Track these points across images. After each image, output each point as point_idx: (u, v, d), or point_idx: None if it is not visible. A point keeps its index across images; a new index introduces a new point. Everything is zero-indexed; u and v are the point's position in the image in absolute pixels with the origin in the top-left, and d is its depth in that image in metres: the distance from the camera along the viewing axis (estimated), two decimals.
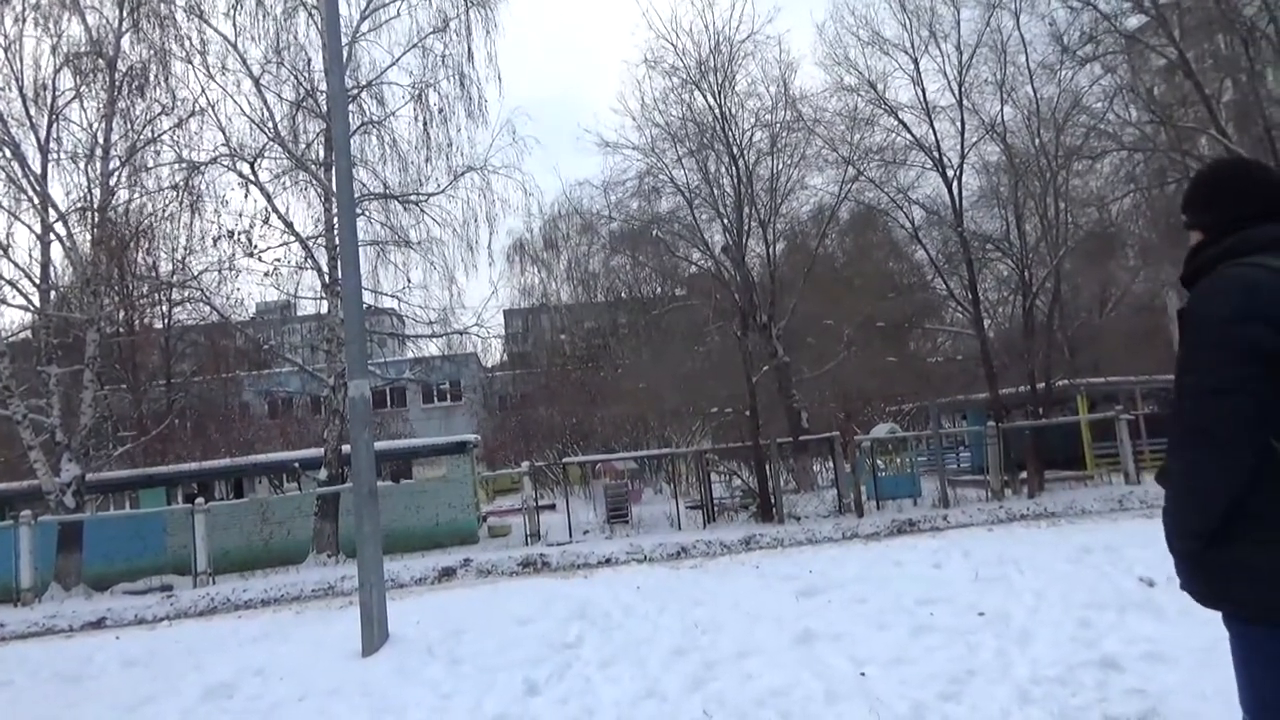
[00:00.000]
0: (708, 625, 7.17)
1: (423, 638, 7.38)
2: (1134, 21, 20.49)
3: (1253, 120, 19.28)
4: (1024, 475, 18.17)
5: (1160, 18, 19.39)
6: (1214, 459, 2.13)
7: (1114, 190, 23.47)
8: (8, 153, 16.48)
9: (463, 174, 18.96)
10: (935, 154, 21.02)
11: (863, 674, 5.46)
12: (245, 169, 17.59)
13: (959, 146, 20.96)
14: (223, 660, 7.40)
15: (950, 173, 20.89)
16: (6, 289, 16.92)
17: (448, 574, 13.50)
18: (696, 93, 20.52)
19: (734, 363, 19.65)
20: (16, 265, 16.88)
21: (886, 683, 5.24)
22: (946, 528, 13.91)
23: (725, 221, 20.58)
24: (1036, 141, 20.82)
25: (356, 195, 17.97)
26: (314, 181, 17.95)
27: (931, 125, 21.06)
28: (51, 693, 7.18)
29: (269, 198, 17.83)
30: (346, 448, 13.66)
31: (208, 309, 19.79)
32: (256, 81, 17.34)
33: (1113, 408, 19.51)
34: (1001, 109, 21.03)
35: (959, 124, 20.86)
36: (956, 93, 20.80)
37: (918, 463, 20.04)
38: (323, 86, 17.14)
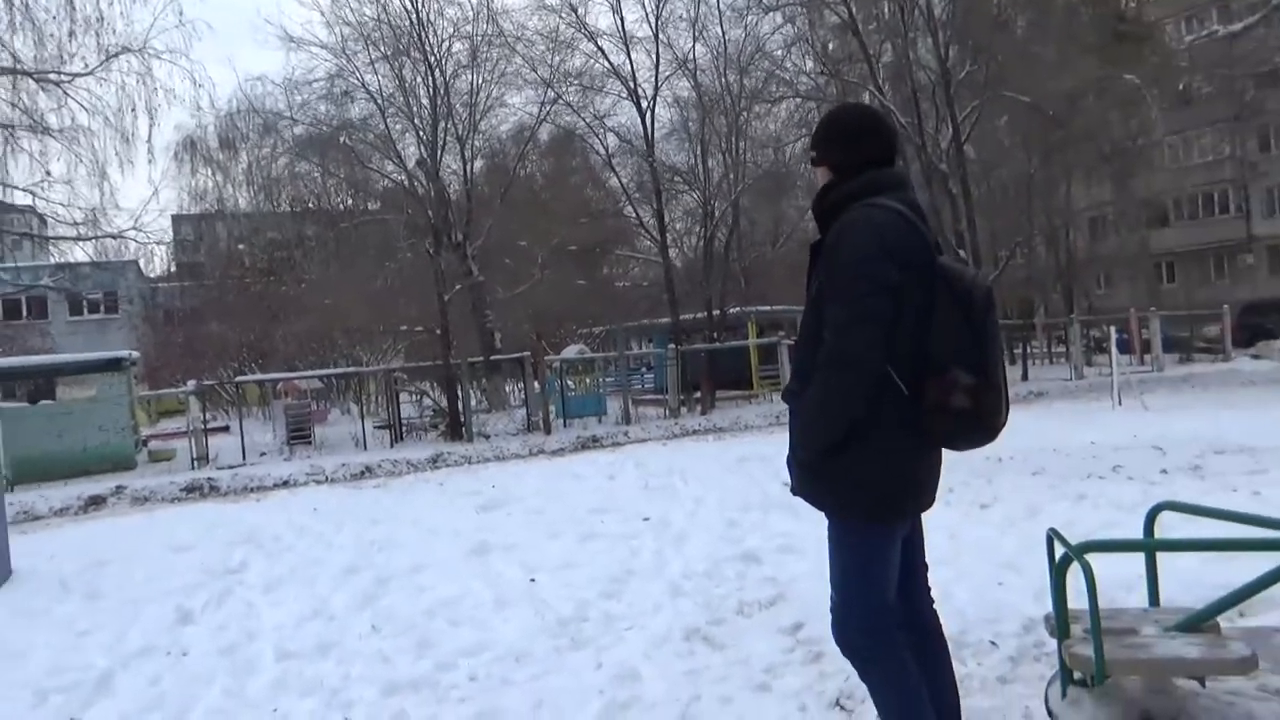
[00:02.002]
0: (385, 543, 7.10)
1: (55, 572, 6.63)
2: None
3: (904, 81, 21.77)
4: (699, 395, 19.61)
5: None
6: (856, 382, 2.38)
7: (789, 134, 25.60)
8: None
9: (117, 54, 16.65)
10: (631, 84, 21.61)
11: (532, 580, 5.69)
12: None
13: (653, 79, 21.70)
14: None
15: (644, 104, 21.60)
16: None
17: (96, 503, 12.15)
18: None
19: (427, 281, 19.21)
20: None
21: (553, 587, 5.50)
22: (627, 443, 14.71)
23: (421, 134, 19.80)
24: (723, 81, 22.04)
25: None
26: None
27: (629, 55, 21.59)
28: None
29: None
30: None
31: None
32: None
33: (777, 333, 21.51)
34: (694, 46, 22.01)
35: (654, 56, 21.56)
36: (653, 25, 21.43)
37: (605, 383, 20.94)
38: None
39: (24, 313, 34.10)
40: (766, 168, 24.83)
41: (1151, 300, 27.94)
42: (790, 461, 2.67)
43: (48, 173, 16.79)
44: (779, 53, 23.24)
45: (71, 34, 16.22)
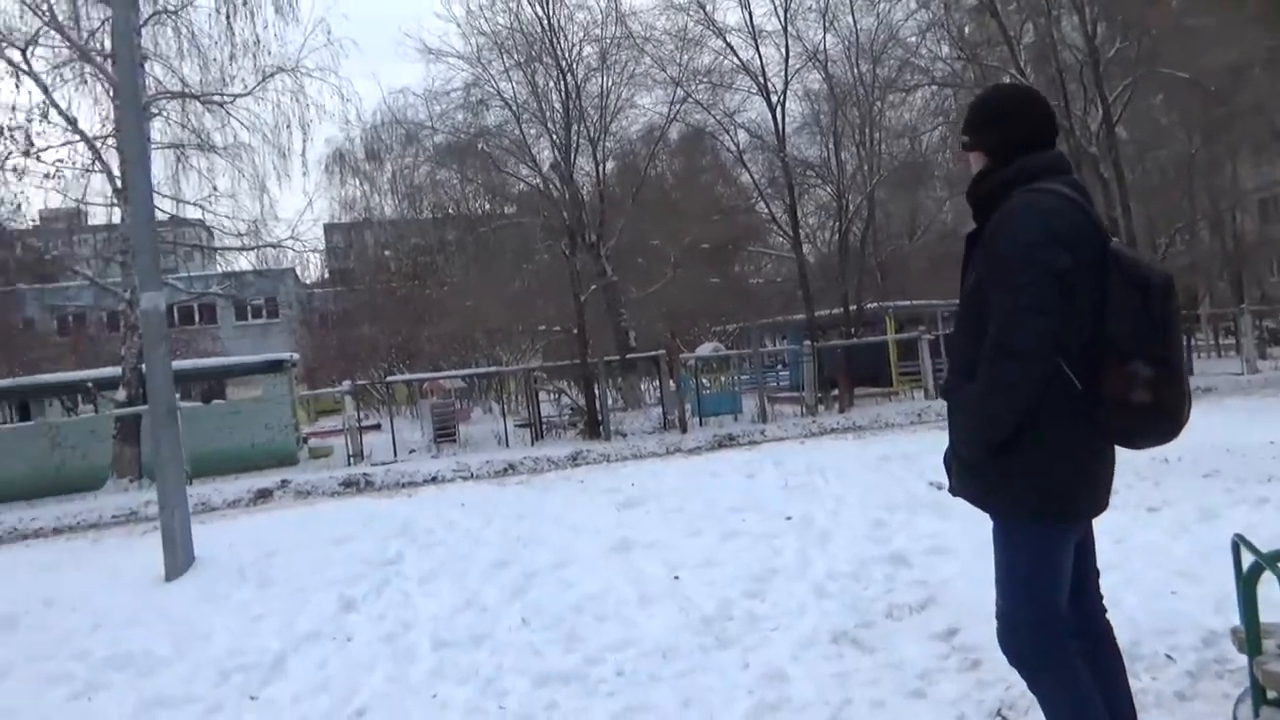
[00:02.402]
0: (530, 538, 7.27)
1: (233, 560, 7.11)
2: None
3: (1048, 62, 20.70)
4: (836, 392, 19.26)
5: None
6: (1024, 376, 2.27)
7: (925, 123, 24.77)
8: None
9: (272, 75, 17.68)
10: (761, 79, 21.40)
11: (676, 578, 5.71)
12: (16, 56, 15.69)
13: (783, 73, 21.42)
14: (5, 592, 6.86)
15: (774, 98, 21.36)
16: None
17: (264, 496, 12.99)
18: (524, 1, 19.86)
19: (563, 282, 19.60)
20: None
21: (696, 584, 5.50)
22: (763, 441, 14.59)
23: (554, 138, 20.25)
24: (856, 72, 21.54)
25: (151, 93, 16.49)
26: (100, 75, 16.24)
27: (758, 50, 21.38)
28: None
29: (46, 90, 16.03)
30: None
31: None
32: None
33: (917, 329, 20.88)
34: (824, 37, 21.59)
35: (784, 50, 21.27)
36: (782, 18, 21.15)
37: (740, 381, 20.83)
38: None
39: (196, 318, 36.73)
40: (902, 158, 24.11)
41: None
42: (949, 460, 2.58)
43: (214, 188, 18.04)
44: (913, 39, 22.51)
45: (232, 57, 17.38)
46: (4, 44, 15.66)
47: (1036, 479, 2.35)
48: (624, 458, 13.97)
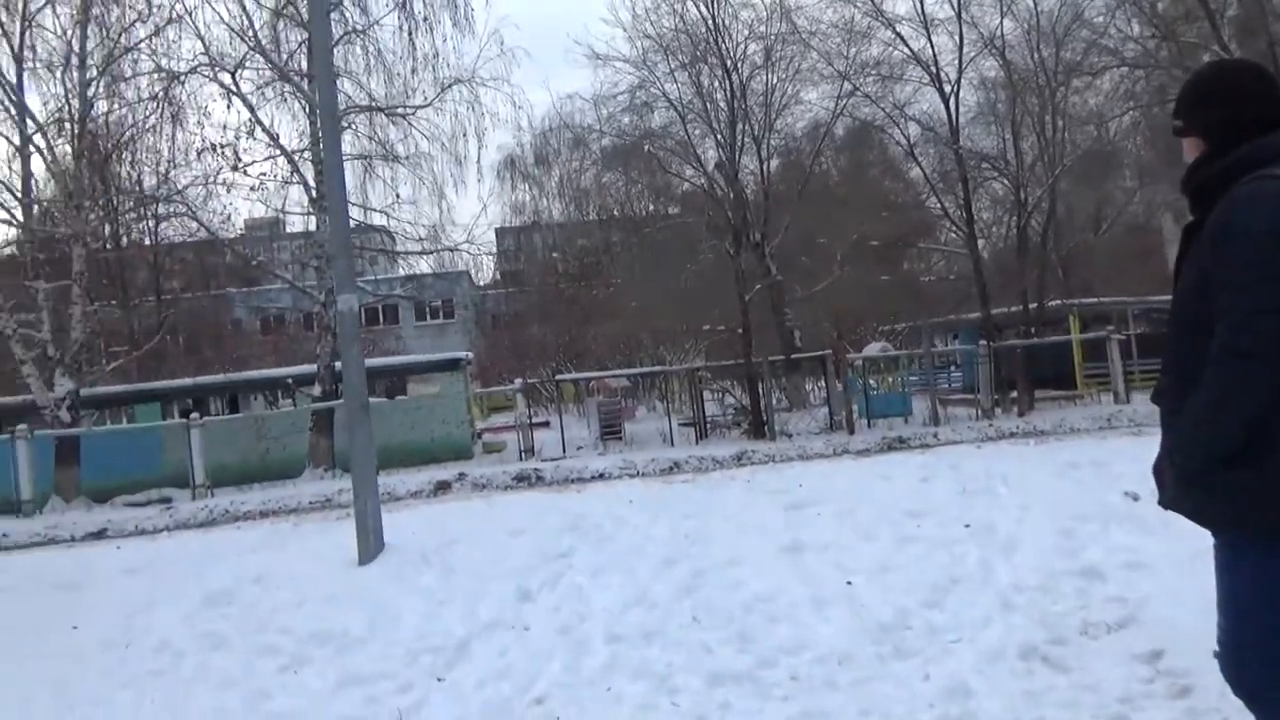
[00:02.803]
0: (698, 536, 7.29)
1: (418, 548, 7.50)
2: None
3: (1256, 35, 18.85)
4: (1014, 394, 18.32)
5: None
6: (1259, 381, 2.09)
7: (1113, 108, 23.06)
8: None
9: (450, 86, 18.59)
10: (933, 69, 20.55)
11: (849, 582, 5.58)
12: (226, 79, 17.21)
13: (957, 61, 20.47)
14: (222, 568, 7.51)
15: (947, 89, 20.46)
16: None
17: (443, 487, 13.66)
18: (689, 3, 19.95)
19: (727, 281, 19.58)
20: None
21: (871, 590, 5.37)
22: (936, 445, 14.07)
23: (719, 137, 20.23)
24: (1035, 57, 20.36)
25: (341, 108, 17.62)
26: (298, 93, 17.56)
27: (929, 39, 20.54)
28: (56, 599, 7.30)
29: (252, 110, 17.48)
30: (339, 364, 13.70)
31: (194, 224, 19.55)
32: None
33: (1104, 328, 19.57)
34: (1001, 22, 20.49)
35: (957, 38, 20.34)
36: (956, 5, 20.22)
37: (909, 381, 20.18)
38: None
39: (381, 319, 39.08)
40: (1087, 147, 22.59)
41: None
42: (1161, 470, 2.39)
43: (397, 195, 19.14)
44: (1100, 19, 20.98)
45: (414, 71, 18.40)
46: (216, 68, 17.18)
47: (1266, 494, 2.15)
48: (790, 458, 13.80)
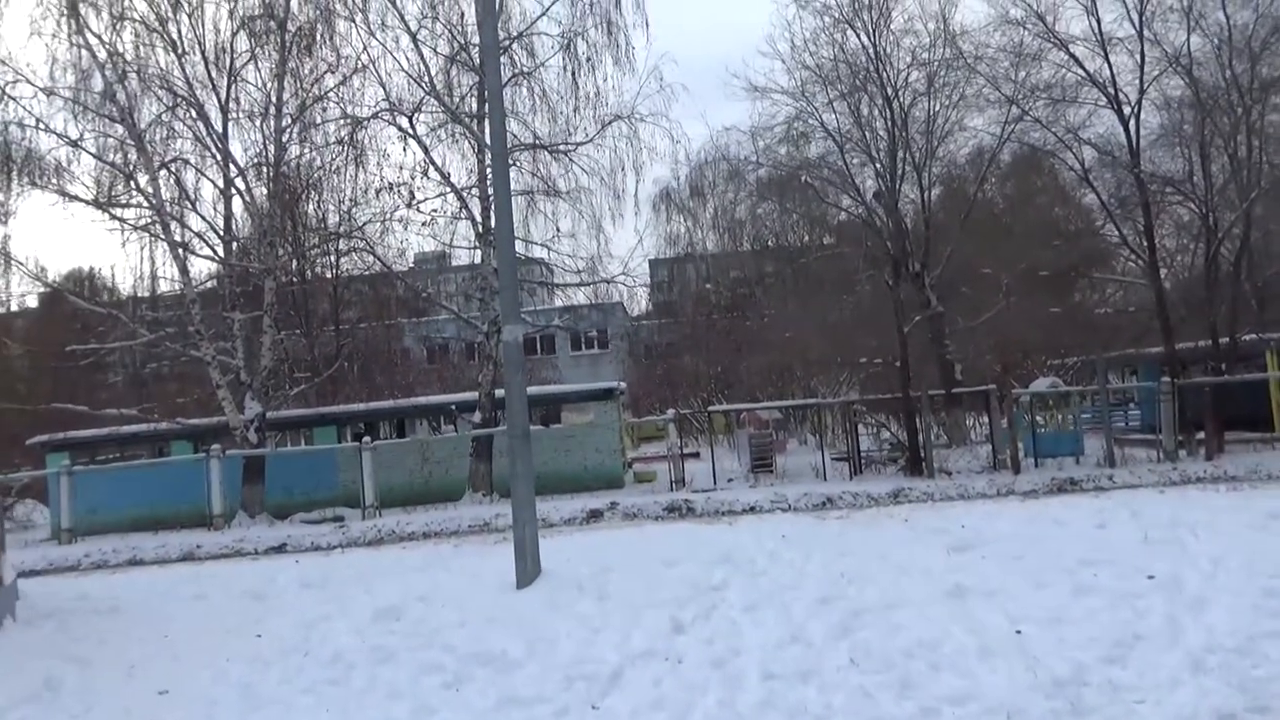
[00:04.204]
0: (854, 575, 7.09)
1: (573, 574, 7.64)
2: None
3: None
4: (1201, 435, 16.93)
5: None
6: None
7: None
8: (194, 113, 17.77)
9: (610, 123, 19.05)
10: (1110, 90, 19.48)
11: (1018, 631, 5.30)
12: (404, 123, 18.28)
13: (1137, 81, 19.32)
14: (390, 586, 7.90)
15: (1127, 110, 19.34)
16: (195, 240, 18.41)
17: (595, 516, 13.89)
18: (849, 32, 19.71)
19: (884, 312, 19.08)
20: (203, 218, 18.35)
21: (1044, 642, 5.07)
22: (1112, 488, 13.19)
23: (878, 166, 19.85)
24: (1228, 73, 18.94)
25: (508, 146, 18.46)
26: (468, 134, 18.45)
27: (1107, 59, 19.49)
28: (241, 607, 7.87)
29: (426, 150, 18.49)
30: (500, 392, 14.17)
31: (371, 259, 20.80)
32: (414, 36, 17.88)
33: None
34: (1188, 38, 19.19)
35: (1138, 56, 19.21)
36: (1136, 22, 19.12)
37: (1081, 420, 18.99)
38: (476, 40, 17.50)
39: (538, 349, 40.29)
40: None
41: None
42: None
43: (558, 229, 19.72)
44: None
45: (576, 109, 19.00)
46: (396, 113, 18.32)
47: None
48: (950, 497, 13.27)
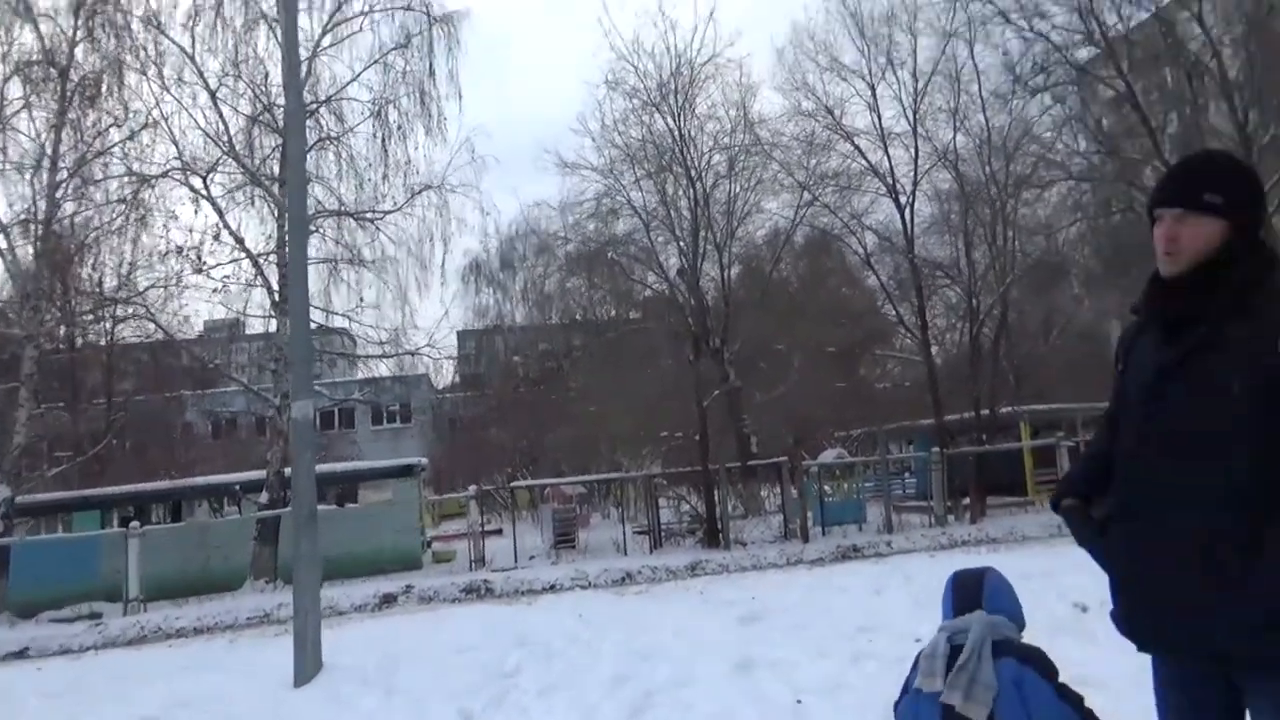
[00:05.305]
0: (649, 652, 7.10)
1: (358, 666, 7.20)
2: (1084, 54, 21.03)
3: (1193, 152, 19.83)
4: (967, 501, 18.39)
5: (1110, 50, 19.93)
6: None
7: (1061, 219, 24.08)
8: None
9: (420, 192, 18.85)
10: (889, 180, 21.42)
11: (799, 701, 5.44)
12: (197, 183, 17.32)
13: (912, 173, 21.40)
14: (149, 691, 7.14)
15: (903, 199, 21.29)
16: None
17: (389, 601, 13.26)
18: (657, 115, 20.69)
19: (686, 387, 19.68)
20: None
21: (822, 711, 5.23)
22: (890, 554, 14.01)
23: (681, 244, 20.70)
24: (987, 170, 21.30)
25: (311, 212, 17.81)
26: (268, 197, 17.70)
27: (886, 152, 21.47)
28: None
29: (220, 213, 17.56)
30: (290, 470, 13.45)
31: (153, 326, 19.32)
32: (213, 94, 17.10)
33: (1054, 434, 19.86)
34: (954, 137, 21.54)
35: (913, 151, 21.30)
36: (911, 120, 21.24)
37: (864, 488, 20.20)
38: (281, 101, 16.92)
39: (336, 423, 38.54)
40: (1036, 257, 23.44)
41: None
42: (1248, 621, 1.98)
43: (361, 299, 19.12)
44: (1048, 135, 22.12)
45: (385, 177, 18.68)
46: (189, 172, 17.27)
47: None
48: (744, 568, 13.64)
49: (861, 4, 21.71)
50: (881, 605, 8.06)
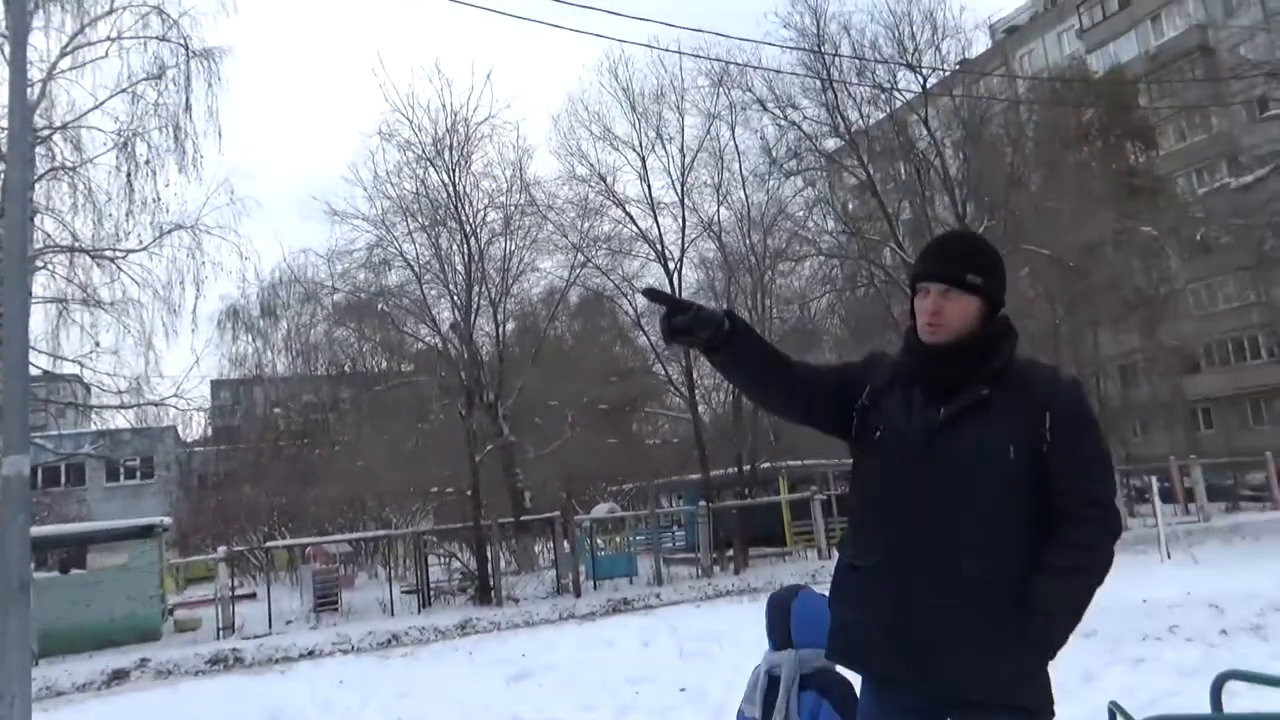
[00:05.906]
0: (413, 718, 6.85)
1: None
2: (832, 143, 23.32)
3: (923, 237, 22.34)
4: (731, 552, 19.21)
5: (853, 143, 22.19)
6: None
7: (813, 290, 26.17)
8: None
9: (170, 231, 17.42)
10: (658, 246, 22.43)
11: None
12: None
13: (680, 241, 22.53)
14: None
15: (671, 265, 22.33)
16: None
17: (119, 677, 11.89)
18: (431, 169, 20.44)
19: (458, 441, 19.35)
20: None
21: None
22: (659, 605, 14.33)
23: (455, 299, 20.46)
24: (748, 241, 22.83)
25: (39, 246, 16.09)
26: None
27: (656, 219, 22.51)
28: None
29: None
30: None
31: None
32: None
33: (809, 488, 21.26)
34: (718, 209, 22.99)
35: (680, 220, 22.47)
36: (679, 191, 22.44)
37: (636, 542, 20.60)
38: (4, 125, 15.25)
39: (62, 480, 34.52)
40: (793, 324, 25.25)
41: (1190, 448, 27.38)
42: (1005, 659, 2.07)
43: (96, 344, 17.29)
44: (801, 213, 24.17)
45: (129, 214, 17.09)
46: None
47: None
48: (515, 625, 13.48)
49: (632, 80, 22.81)
50: (649, 657, 8.24)
